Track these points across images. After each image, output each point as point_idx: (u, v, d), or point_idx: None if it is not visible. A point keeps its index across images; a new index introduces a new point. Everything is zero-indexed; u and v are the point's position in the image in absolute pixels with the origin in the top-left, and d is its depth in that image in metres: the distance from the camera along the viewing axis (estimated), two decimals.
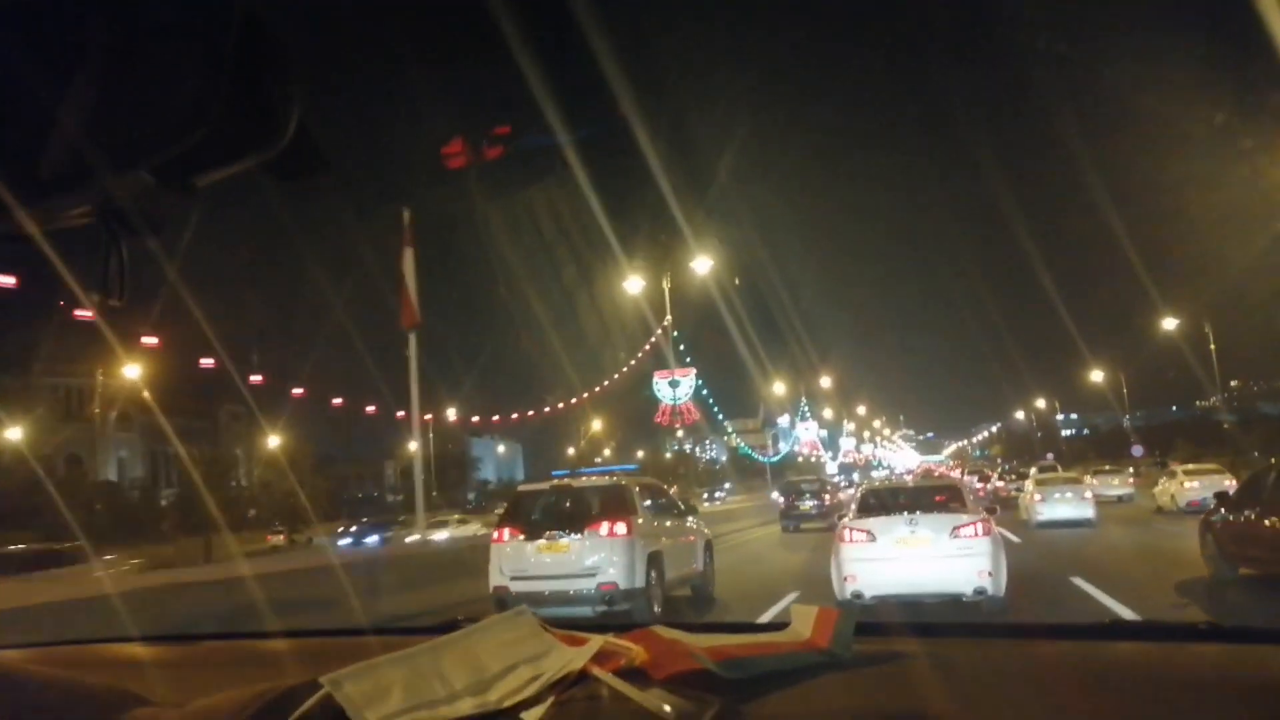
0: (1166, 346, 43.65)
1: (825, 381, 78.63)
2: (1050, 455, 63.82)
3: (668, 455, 78.64)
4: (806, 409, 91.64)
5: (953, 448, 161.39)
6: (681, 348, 47.85)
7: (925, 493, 9.72)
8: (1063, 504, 19.54)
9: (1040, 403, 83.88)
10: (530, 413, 55.93)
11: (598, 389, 56.58)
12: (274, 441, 48.61)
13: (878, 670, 1.14)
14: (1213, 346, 41.53)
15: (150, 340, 34.89)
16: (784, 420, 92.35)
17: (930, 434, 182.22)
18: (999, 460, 71.06)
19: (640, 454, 73.91)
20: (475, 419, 52.67)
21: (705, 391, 66.44)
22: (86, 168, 0.62)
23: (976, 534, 8.23)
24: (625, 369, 55.23)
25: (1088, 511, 19.26)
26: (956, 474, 41.55)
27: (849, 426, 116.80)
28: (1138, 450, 47.54)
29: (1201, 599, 9.15)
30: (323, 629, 1.93)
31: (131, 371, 42.91)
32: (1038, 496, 20.10)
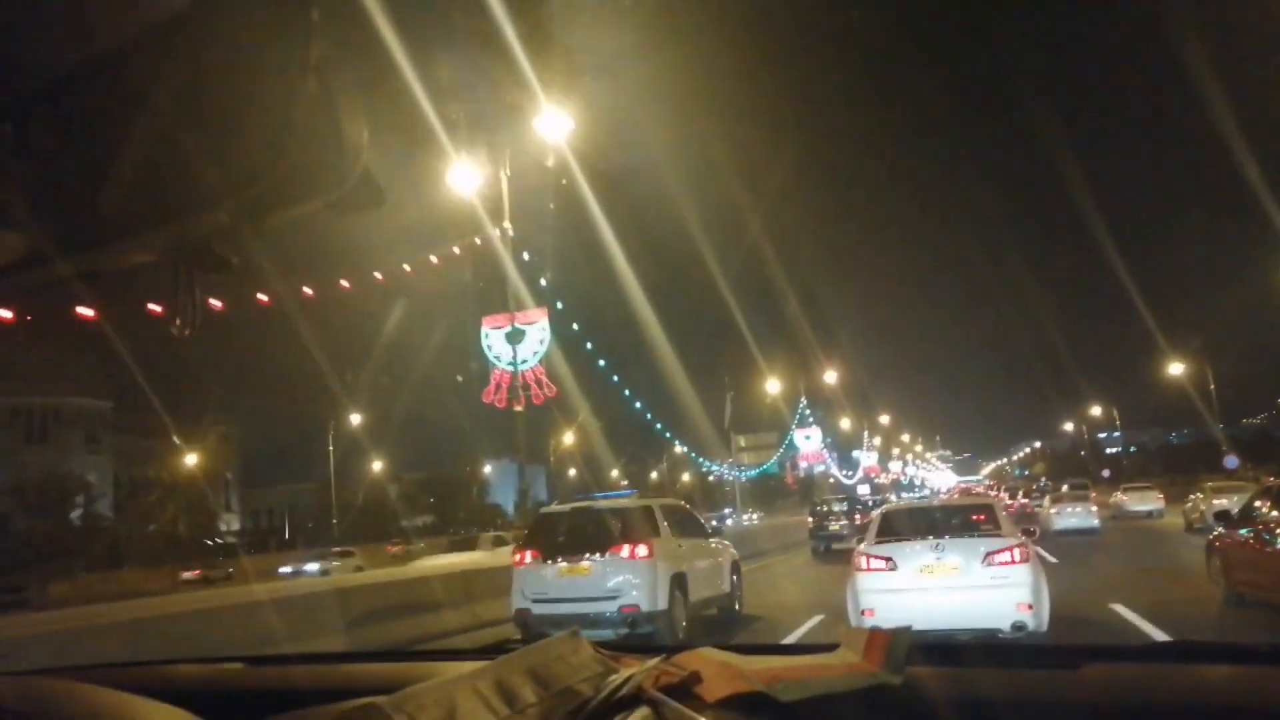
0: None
1: (831, 380, 66.89)
2: (1106, 472, 61.88)
3: (685, 477, 73.45)
4: (809, 415, 76.73)
5: (990, 467, 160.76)
6: (544, 282, 27.81)
7: (953, 514, 9.14)
8: (1073, 517, 25.97)
9: (1096, 410, 77.16)
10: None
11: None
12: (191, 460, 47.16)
13: (931, 695, 1.16)
14: None
15: None
16: (812, 433, 75.99)
17: (968, 454, 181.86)
18: (1043, 479, 69.31)
19: (654, 475, 71.98)
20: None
21: (631, 396, 53.35)
22: (166, 209, 0.69)
23: (1013, 560, 7.71)
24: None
25: (1092, 522, 25.77)
26: (991, 494, 41.31)
27: (873, 440, 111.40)
28: (1232, 461, 39.27)
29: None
30: (375, 652, 2.04)
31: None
32: (1053, 510, 27.00)
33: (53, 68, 0.68)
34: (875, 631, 1.25)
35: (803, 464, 77.13)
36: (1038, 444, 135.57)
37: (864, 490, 70.89)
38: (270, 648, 7.46)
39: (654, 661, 1.18)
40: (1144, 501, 32.29)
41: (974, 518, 8.77)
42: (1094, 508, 26.69)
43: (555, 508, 11.25)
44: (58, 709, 1.01)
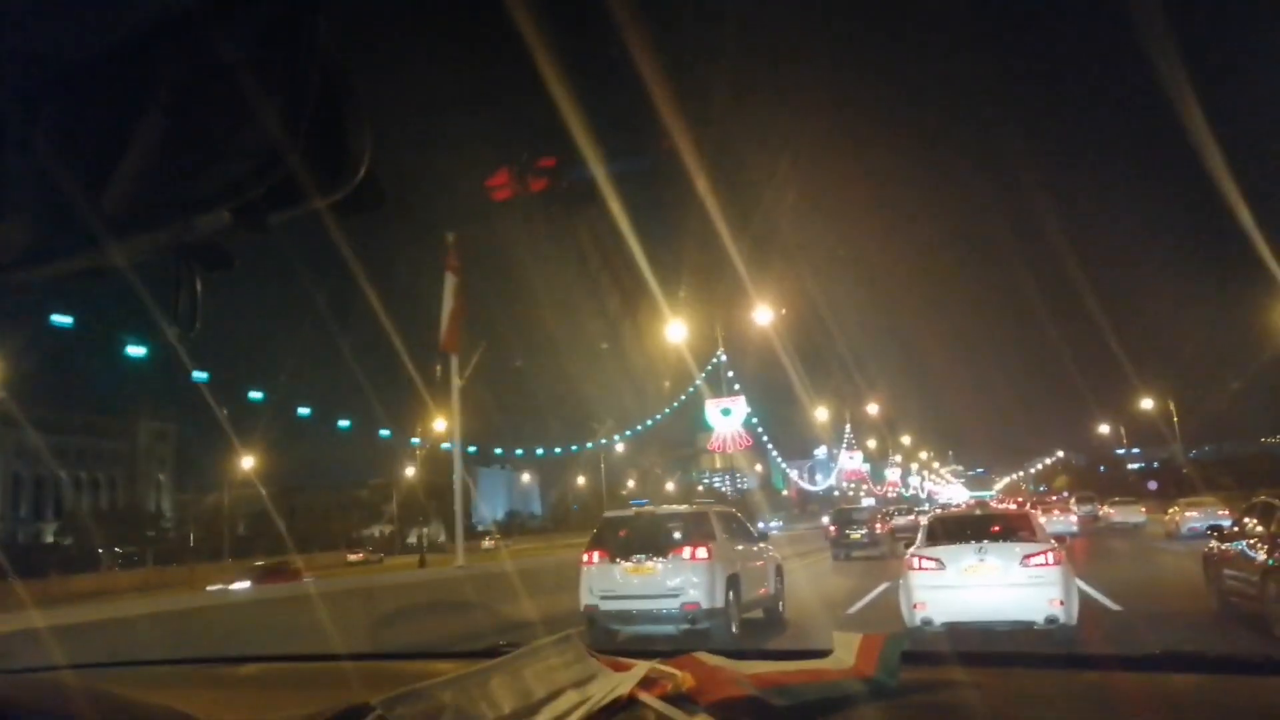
0: None
1: (766, 321, 50.91)
2: (1154, 484, 65.12)
3: (700, 487, 69.04)
4: (734, 381, 61.71)
5: (1004, 482, 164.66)
6: None
7: (993, 522, 11.57)
8: (1058, 524, 34.51)
9: (1147, 403, 70.08)
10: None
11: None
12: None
13: (925, 699, 1.28)
14: None
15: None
16: (733, 405, 55.72)
17: (980, 469, 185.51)
18: (1066, 493, 71.94)
19: (632, 484, 72.84)
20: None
21: None
22: (170, 207, 0.78)
23: (1047, 563, 9.96)
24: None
25: (1072, 528, 36.11)
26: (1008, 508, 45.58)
27: (854, 438, 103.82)
28: None
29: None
30: (370, 653, 2.26)
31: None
32: (1042, 519, 32.40)
33: (60, 63, 0.76)
34: (869, 636, 1.38)
35: (718, 450, 59.52)
36: (1060, 454, 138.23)
37: (868, 503, 72.05)
38: None
39: (646, 665, 1.27)
40: (1129, 515, 42.39)
41: (1012, 526, 11.13)
42: (1073, 516, 39.47)
43: (617, 513, 13.36)
44: (50, 707, 1.07)
